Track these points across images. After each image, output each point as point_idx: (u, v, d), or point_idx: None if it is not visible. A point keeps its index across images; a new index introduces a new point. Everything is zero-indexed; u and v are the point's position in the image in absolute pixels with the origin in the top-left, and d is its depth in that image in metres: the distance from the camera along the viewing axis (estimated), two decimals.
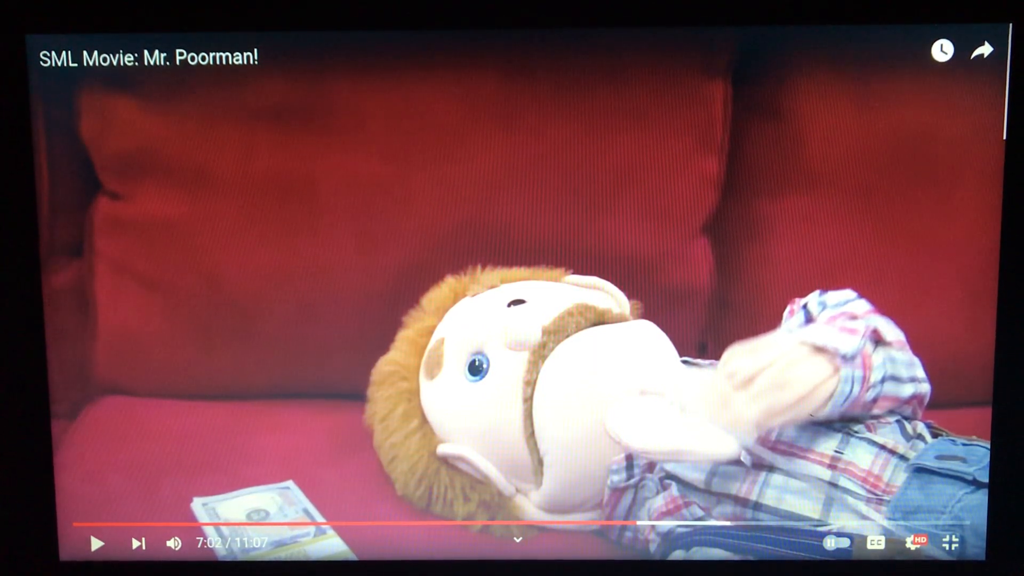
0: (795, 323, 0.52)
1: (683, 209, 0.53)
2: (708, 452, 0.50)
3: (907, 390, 0.51)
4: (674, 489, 0.51)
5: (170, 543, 0.53)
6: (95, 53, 0.49)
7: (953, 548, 0.51)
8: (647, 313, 0.53)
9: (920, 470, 0.50)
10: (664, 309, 0.53)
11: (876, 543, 0.51)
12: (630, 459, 0.51)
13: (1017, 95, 0.49)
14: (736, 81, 0.52)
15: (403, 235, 0.53)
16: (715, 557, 0.52)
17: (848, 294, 0.52)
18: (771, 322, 0.53)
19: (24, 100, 0.49)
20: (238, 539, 0.53)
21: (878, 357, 0.50)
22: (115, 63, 0.49)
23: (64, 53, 0.49)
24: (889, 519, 0.50)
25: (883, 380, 0.50)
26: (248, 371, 0.55)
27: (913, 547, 0.51)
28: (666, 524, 0.52)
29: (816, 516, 0.50)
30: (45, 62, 0.49)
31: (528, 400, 0.51)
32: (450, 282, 0.53)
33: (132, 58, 0.49)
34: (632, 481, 0.51)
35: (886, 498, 0.50)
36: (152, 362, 0.54)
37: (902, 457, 0.50)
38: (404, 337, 0.54)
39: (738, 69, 0.51)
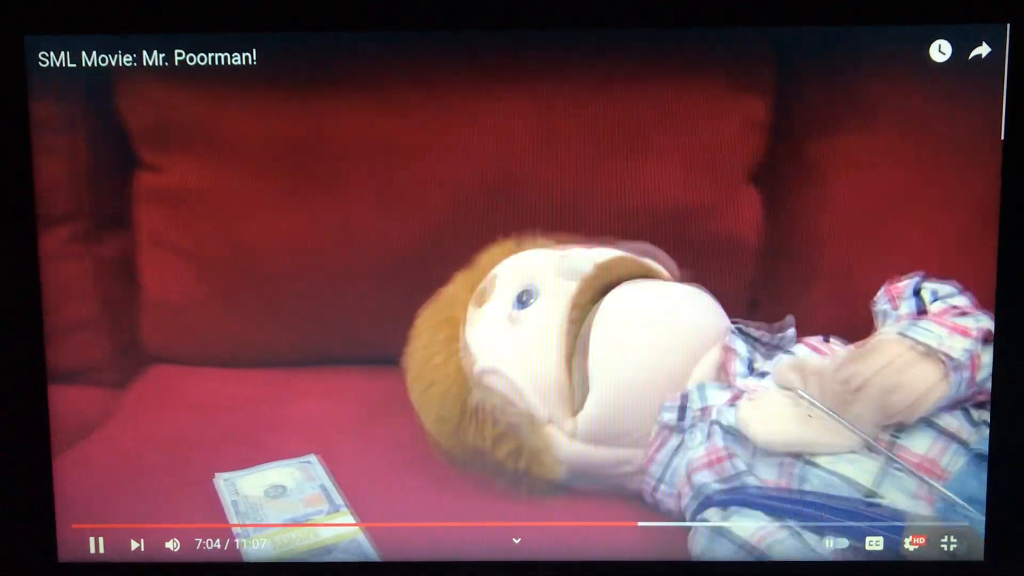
0: (905, 310, 0.51)
1: (729, 156, 0.52)
2: (833, 447, 0.50)
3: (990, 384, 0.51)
4: (718, 439, 0.51)
5: (169, 544, 0.53)
6: (93, 54, 0.49)
7: (952, 548, 0.52)
8: (696, 268, 0.53)
9: (983, 457, 0.50)
10: (713, 263, 0.53)
11: (875, 543, 0.51)
12: (684, 400, 0.52)
13: (1015, 95, 0.49)
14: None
15: (431, 200, 0.53)
16: (752, 520, 0.51)
17: (953, 288, 0.52)
18: (828, 272, 0.53)
19: (23, 101, 0.49)
20: (252, 515, 0.53)
21: (986, 357, 0.50)
22: (113, 63, 0.49)
23: (63, 54, 0.49)
24: (941, 501, 0.50)
25: (985, 379, 0.51)
26: (279, 338, 0.56)
27: (912, 547, 0.51)
28: (703, 478, 0.51)
29: (868, 484, 0.50)
30: (44, 63, 0.49)
31: (575, 323, 0.52)
32: (507, 244, 0.54)
33: (131, 58, 0.49)
34: (682, 423, 0.52)
35: (938, 484, 0.50)
36: (193, 331, 0.56)
37: (963, 443, 0.50)
38: (457, 277, 0.54)
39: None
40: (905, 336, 0.50)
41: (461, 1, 0.49)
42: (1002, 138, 0.50)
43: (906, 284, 0.52)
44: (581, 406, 0.52)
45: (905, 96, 0.50)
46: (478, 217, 0.53)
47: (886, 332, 0.51)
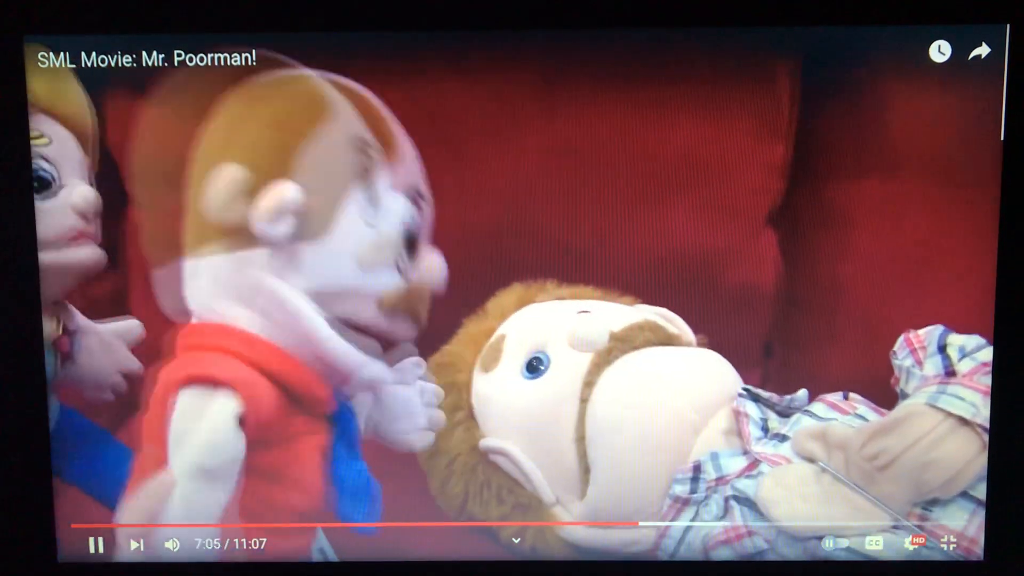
0: (931, 370, 0.48)
1: (746, 200, 0.51)
2: (863, 527, 0.49)
3: None
4: (737, 516, 0.50)
5: (168, 544, 0.53)
6: (93, 54, 0.49)
7: (952, 548, 0.52)
8: (712, 315, 0.51)
9: None
10: (727, 309, 0.51)
11: (875, 543, 0.51)
12: (697, 471, 0.50)
13: (1014, 96, 0.49)
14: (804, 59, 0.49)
15: (437, 240, 0.51)
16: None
17: (980, 340, 0.49)
18: (844, 319, 0.50)
19: (23, 102, 0.49)
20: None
21: None
22: (113, 64, 0.49)
23: (62, 54, 0.49)
24: None
25: None
26: None
27: (912, 547, 0.51)
28: (721, 554, 0.50)
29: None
30: (43, 63, 0.49)
31: (585, 401, 0.50)
32: (518, 290, 0.51)
33: (130, 59, 0.49)
34: (696, 496, 0.50)
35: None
36: None
37: None
38: (463, 333, 0.52)
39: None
40: (936, 407, 0.47)
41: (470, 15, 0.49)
42: (1002, 138, 0.50)
43: (927, 335, 0.49)
44: (587, 490, 0.50)
45: (902, 96, 0.50)
46: (489, 260, 0.51)
47: (914, 402, 0.48)
